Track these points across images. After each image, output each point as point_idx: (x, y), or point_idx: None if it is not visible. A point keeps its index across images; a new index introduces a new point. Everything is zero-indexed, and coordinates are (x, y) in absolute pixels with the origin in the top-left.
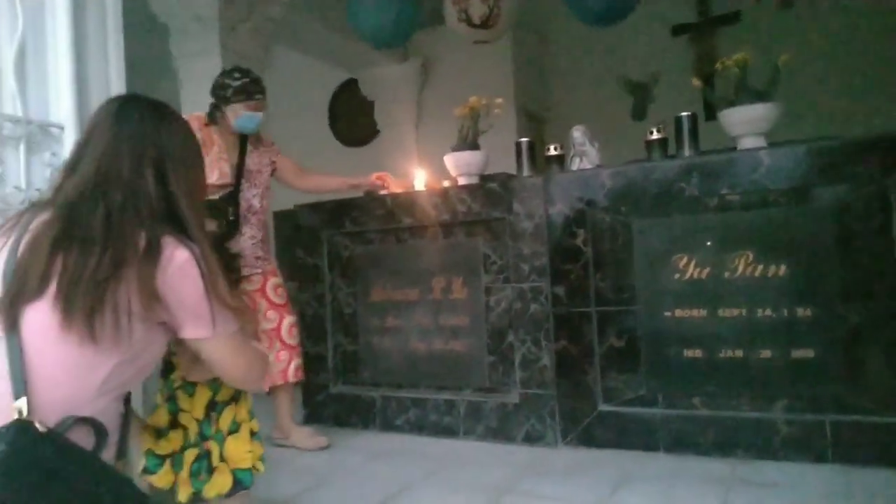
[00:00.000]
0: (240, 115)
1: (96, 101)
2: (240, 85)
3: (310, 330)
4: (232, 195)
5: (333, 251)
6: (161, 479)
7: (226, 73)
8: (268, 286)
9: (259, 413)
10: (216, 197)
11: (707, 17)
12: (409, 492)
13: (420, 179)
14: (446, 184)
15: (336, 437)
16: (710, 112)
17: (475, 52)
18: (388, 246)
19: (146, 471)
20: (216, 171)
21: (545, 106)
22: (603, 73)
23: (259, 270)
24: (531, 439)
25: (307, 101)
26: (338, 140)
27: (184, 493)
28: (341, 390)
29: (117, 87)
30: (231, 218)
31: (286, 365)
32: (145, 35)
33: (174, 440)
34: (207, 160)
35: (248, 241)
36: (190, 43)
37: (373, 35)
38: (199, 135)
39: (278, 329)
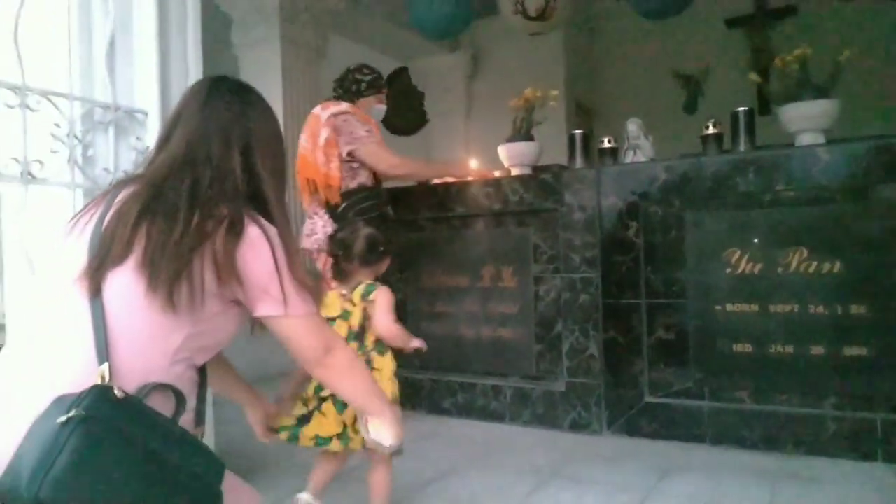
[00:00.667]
0: (373, 108)
1: (177, 88)
2: (371, 79)
3: None
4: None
5: (386, 237)
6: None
7: (354, 70)
8: None
9: None
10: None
11: (763, 10)
12: (457, 472)
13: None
14: (497, 173)
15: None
16: (765, 106)
17: (526, 43)
18: (440, 234)
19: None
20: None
21: (595, 97)
22: (654, 65)
23: None
24: (577, 427)
25: None
26: (387, 129)
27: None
28: None
29: (195, 75)
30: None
31: None
32: (208, 24)
33: None
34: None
35: None
36: (251, 32)
37: (431, 26)
38: (357, 114)
39: None
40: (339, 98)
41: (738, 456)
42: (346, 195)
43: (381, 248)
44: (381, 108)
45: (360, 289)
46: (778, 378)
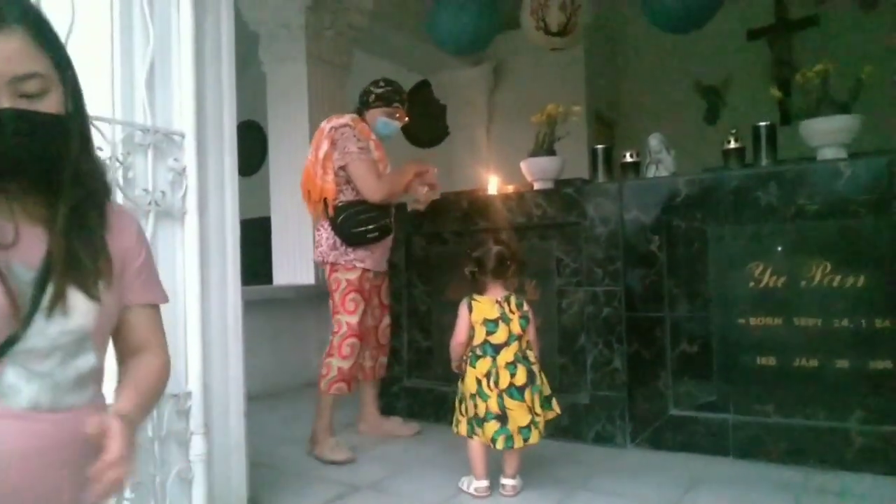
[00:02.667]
0: (377, 120)
1: (212, 109)
2: (381, 92)
3: None
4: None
5: (411, 250)
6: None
7: (372, 83)
8: (384, 286)
9: (345, 405)
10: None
11: (784, 21)
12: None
13: (493, 185)
14: (510, 188)
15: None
16: (785, 117)
17: (547, 56)
18: (463, 247)
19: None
20: (387, 168)
21: (616, 109)
22: (675, 76)
23: (384, 270)
24: (601, 439)
25: None
26: (409, 141)
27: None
28: (415, 384)
29: (229, 96)
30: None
31: (374, 363)
32: (237, 41)
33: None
34: (376, 154)
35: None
36: (278, 49)
37: (453, 42)
38: (356, 128)
39: (377, 327)
40: (358, 110)
41: (762, 469)
42: (343, 208)
43: (509, 263)
44: (388, 123)
45: (513, 299)
46: (802, 392)
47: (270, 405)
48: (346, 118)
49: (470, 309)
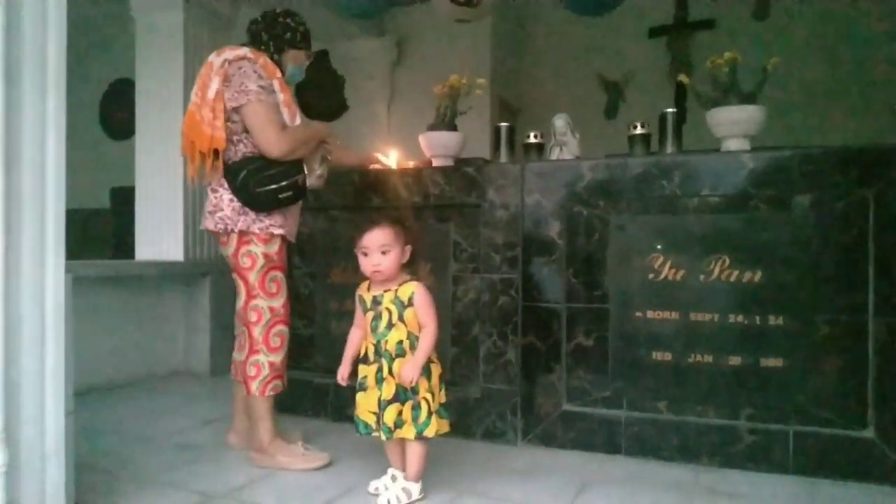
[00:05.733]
0: (299, 64)
1: (31, 39)
2: (304, 31)
3: None
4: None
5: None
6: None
7: (285, 14)
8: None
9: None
10: None
11: (683, 21)
12: (364, 487)
13: (392, 158)
14: (410, 164)
15: (285, 426)
16: (682, 115)
17: (453, 34)
18: (353, 226)
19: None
20: (297, 116)
21: (521, 96)
22: (579, 68)
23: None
24: (491, 436)
25: None
26: (305, 114)
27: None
28: (292, 375)
29: (56, 25)
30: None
31: None
32: None
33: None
34: (283, 97)
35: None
36: None
37: (347, 4)
38: (259, 62)
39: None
40: (260, 46)
41: (653, 468)
42: (241, 164)
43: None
44: (302, 71)
45: None
46: (696, 388)
47: (126, 396)
48: (245, 50)
49: None
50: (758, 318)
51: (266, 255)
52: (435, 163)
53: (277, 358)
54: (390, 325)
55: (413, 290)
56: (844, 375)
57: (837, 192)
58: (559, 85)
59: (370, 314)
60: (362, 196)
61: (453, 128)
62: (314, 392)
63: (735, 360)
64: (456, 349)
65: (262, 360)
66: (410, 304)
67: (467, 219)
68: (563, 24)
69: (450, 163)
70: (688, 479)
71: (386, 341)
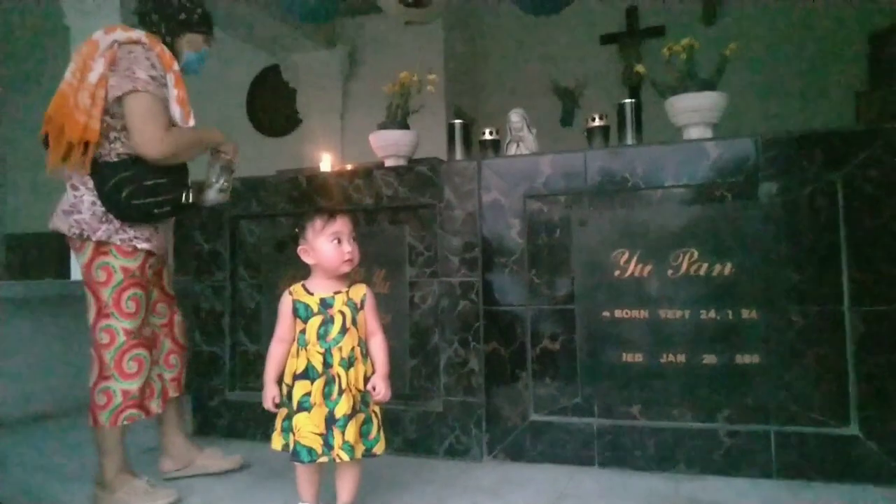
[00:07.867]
0: (198, 51)
1: None
2: (203, 13)
3: (204, 326)
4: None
5: (237, 236)
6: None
7: None
8: (164, 272)
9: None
10: None
11: (634, 29)
12: None
13: (326, 162)
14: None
15: (230, 452)
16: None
17: (405, 44)
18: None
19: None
20: (191, 116)
21: (475, 106)
22: (533, 77)
23: (165, 251)
24: (454, 453)
25: (224, 83)
26: (256, 129)
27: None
28: (239, 397)
29: None
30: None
31: (178, 373)
32: None
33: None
34: (177, 93)
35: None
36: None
37: (299, 5)
38: (155, 49)
39: (170, 325)
40: (151, 28)
41: (631, 479)
42: (116, 166)
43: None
44: (204, 55)
45: None
46: (670, 390)
47: (51, 427)
48: (140, 33)
49: None
50: (730, 312)
51: (126, 270)
52: (387, 163)
53: (133, 385)
54: (344, 330)
55: (364, 292)
56: (824, 369)
57: (804, 178)
58: (514, 94)
59: (315, 320)
60: (310, 200)
61: (405, 126)
62: (263, 415)
63: (709, 359)
64: (415, 360)
65: (113, 387)
66: (362, 307)
67: (423, 220)
68: (517, 32)
69: (403, 163)
70: (667, 490)
71: (340, 348)
